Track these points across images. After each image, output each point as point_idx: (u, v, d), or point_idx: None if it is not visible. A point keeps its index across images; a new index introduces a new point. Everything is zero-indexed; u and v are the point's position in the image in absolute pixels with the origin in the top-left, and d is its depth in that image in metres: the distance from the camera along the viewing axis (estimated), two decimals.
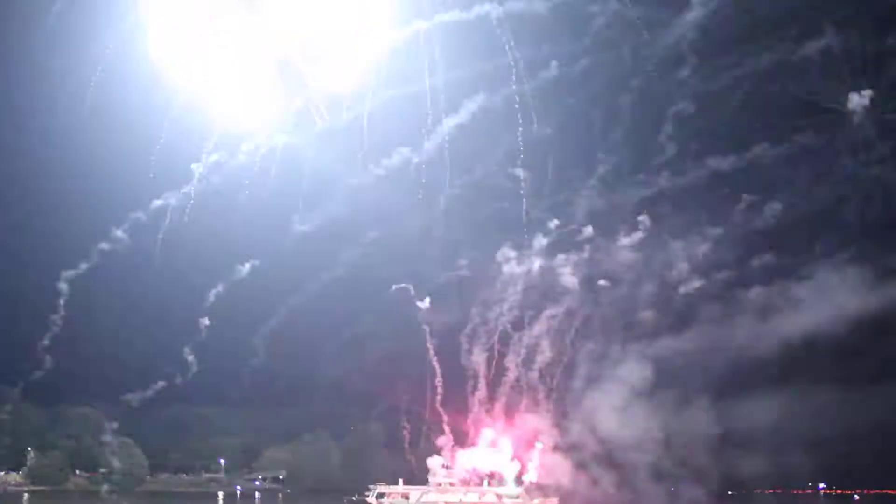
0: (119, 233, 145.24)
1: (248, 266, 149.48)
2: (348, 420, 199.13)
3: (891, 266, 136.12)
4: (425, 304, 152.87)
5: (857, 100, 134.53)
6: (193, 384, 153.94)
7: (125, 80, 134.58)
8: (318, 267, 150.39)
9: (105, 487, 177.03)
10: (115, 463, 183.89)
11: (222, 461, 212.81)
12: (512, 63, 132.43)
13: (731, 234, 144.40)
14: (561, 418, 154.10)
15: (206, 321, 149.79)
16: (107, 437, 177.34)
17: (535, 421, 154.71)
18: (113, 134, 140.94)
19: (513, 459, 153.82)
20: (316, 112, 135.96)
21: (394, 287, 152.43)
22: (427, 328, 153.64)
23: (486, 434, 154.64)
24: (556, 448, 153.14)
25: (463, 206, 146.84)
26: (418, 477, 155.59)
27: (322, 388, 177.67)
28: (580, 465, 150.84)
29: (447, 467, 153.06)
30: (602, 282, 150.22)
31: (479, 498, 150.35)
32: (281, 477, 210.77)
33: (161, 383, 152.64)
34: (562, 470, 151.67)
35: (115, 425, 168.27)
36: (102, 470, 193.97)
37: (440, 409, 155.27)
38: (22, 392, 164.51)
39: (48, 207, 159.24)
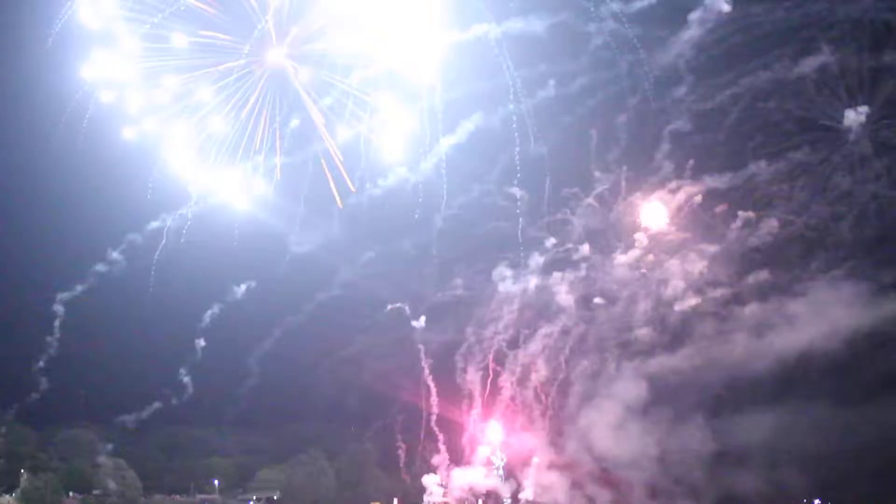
0: (115, 254, 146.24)
1: (244, 287, 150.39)
2: (343, 440, 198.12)
3: (885, 282, 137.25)
4: (420, 323, 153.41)
5: (854, 117, 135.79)
6: (189, 405, 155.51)
7: (120, 102, 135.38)
8: (314, 287, 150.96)
9: None
10: (110, 485, 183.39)
11: (216, 482, 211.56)
12: (510, 82, 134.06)
13: (727, 251, 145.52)
14: (556, 436, 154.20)
15: (201, 342, 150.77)
16: (100, 459, 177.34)
17: (531, 439, 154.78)
18: (109, 157, 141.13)
19: (508, 478, 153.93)
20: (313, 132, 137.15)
21: (389, 307, 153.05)
22: (422, 347, 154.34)
23: (482, 452, 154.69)
24: (551, 466, 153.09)
25: (459, 225, 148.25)
26: (413, 496, 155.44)
27: (317, 407, 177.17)
28: (576, 484, 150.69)
29: (443, 486, 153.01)
30: (598, 300, 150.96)
31: None
32: (275, 497, 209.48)
33: (157, 405, 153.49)
34: (558, 488, 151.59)
35: (109, 447, 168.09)
36: (96, 491, 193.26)
37: (435, 428, 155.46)
38: (16, 414, 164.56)
39: (43, 229, 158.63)
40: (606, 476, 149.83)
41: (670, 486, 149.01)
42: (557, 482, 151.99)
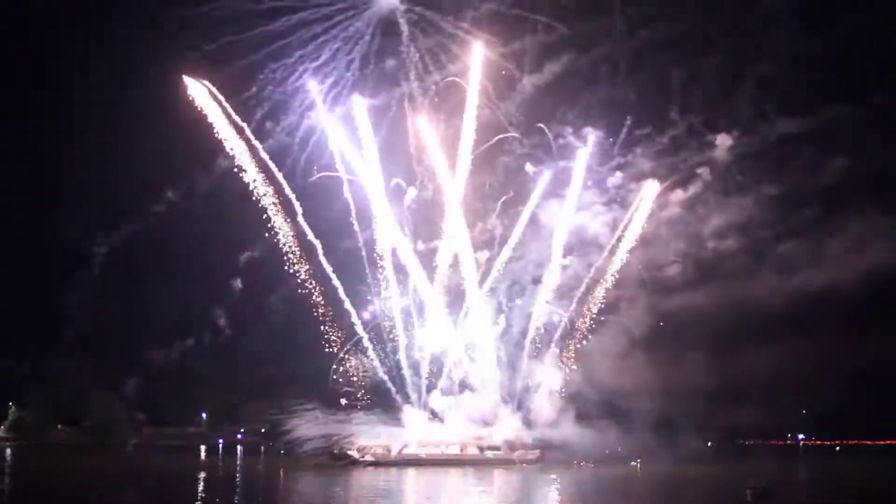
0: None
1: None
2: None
3: None
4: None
5: None
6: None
7: None
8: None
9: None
10: (99, 417, 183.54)
11: (204, 414, 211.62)
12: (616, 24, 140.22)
13: (781, 193, 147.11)
14: (563, 366, 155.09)
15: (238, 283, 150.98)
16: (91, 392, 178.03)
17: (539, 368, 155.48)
18: None
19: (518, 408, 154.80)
20: None
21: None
22: None
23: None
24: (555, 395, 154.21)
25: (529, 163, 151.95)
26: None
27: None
28: (581, 415, 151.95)
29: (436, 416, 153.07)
30: (636, 235, 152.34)
31: (461, 451, 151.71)
32: (263, 430, 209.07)
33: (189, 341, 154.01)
34: (563, 418, 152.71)
35: (133, 381, 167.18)
36: (85, 423, 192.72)
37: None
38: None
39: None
40: (610, 407, 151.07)
41: (670, 419, 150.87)
42: (564, 412, 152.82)
